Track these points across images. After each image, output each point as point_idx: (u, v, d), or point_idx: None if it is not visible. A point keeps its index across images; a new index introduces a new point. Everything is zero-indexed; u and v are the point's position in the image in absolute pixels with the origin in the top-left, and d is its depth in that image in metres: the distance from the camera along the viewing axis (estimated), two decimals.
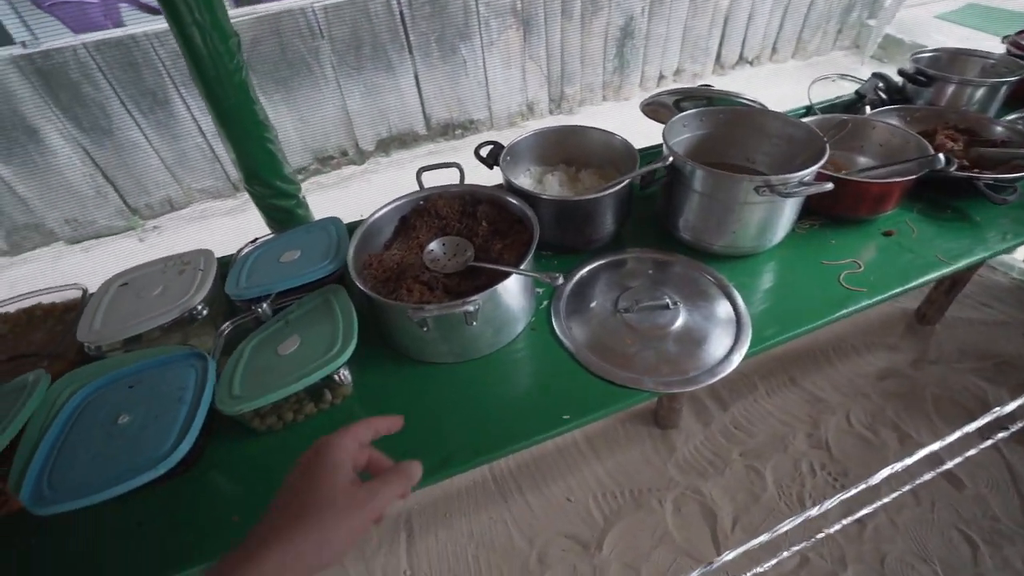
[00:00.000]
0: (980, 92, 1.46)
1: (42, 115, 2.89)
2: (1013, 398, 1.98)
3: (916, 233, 1.18)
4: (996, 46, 1.77)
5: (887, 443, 1.85)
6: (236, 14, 2.93)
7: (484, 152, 1.18)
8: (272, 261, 1.03)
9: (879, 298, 1.03)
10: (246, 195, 3.82)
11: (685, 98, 1.24)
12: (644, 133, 1.39)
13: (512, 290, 0.92)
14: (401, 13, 3.11)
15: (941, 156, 1.07)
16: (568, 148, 1.28)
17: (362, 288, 0.87)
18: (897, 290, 1.04)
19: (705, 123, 1.23)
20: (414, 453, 0.82)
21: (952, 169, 1.13)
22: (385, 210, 1.07)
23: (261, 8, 2.92)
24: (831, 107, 1.62)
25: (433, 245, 1.04)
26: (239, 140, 1.25)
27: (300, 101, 3.23)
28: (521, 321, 1.01)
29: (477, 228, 1.06)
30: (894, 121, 1.49)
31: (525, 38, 3.50)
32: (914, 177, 1.11)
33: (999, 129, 1.39)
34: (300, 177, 3.57)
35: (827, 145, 1.03)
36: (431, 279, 0.95)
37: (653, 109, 1.37)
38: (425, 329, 0.87)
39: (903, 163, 1.17)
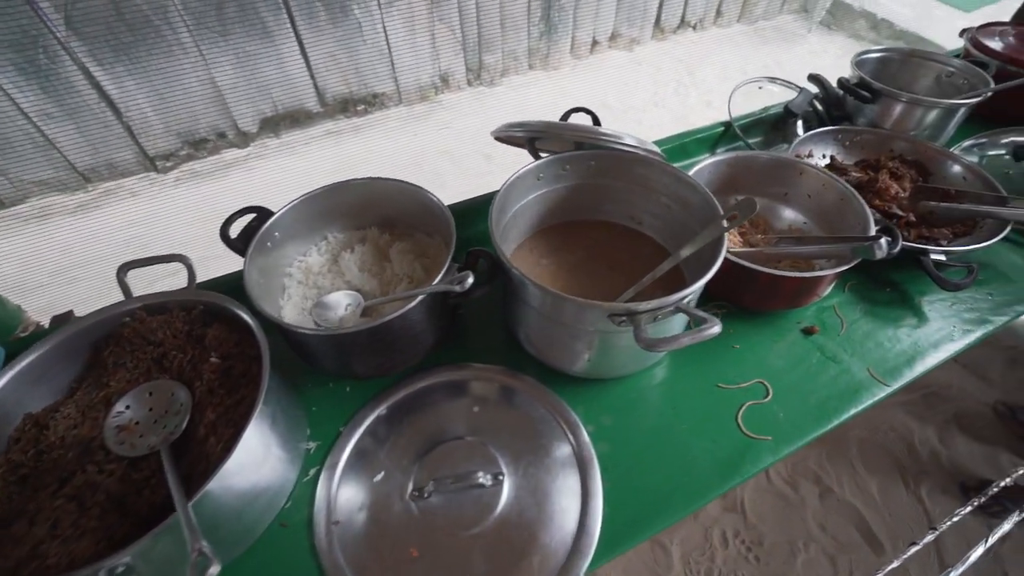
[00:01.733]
0: (933, 115, 1.16)
1: None
2: (939, 438, 1.83)
3: (845, 328, 0.88)
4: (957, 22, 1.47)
5: (806, 500, 1.65)
6: None
7: (236, 230, 0.78)
8: None
9: (786, 452, 0.74)
10: (102, 186, 3.23)
11: (543, 137, 0.87)
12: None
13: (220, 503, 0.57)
14: None
15: (884, 243, 0.76)
16: (384, 205, 0.90)
17: None
18: (810, 436, 0.75)
19: (572, 173, 0.88)
20: None
21: (896, 248, 0.83)
22: (58, 339, 0.68)
23: None
24: (756, 123, 1.28)
25: (127, 400, 0.67)
26: None
27: (152, 73, 2.62)
28: (264, 519, 0.67)
29: (203, 366, 0.69)
30: (831, 149, 1.19)
31: None
32: (846, 268, 0.80)
33: (956, 169, 1.10)
34: (168, 164, 3.01)
35: (725, 234, 0.70)
36: (85, 485, 0.58)
37: (511, 137, 1.00)
38: None
39: (835, 242, 0.85)
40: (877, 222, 0.87)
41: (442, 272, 0.71)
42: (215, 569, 0.45)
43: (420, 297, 0.68)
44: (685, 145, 1.19)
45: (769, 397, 0.78)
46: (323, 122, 3.24)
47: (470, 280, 0.65)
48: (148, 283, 1.83)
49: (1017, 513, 1.02)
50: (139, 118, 2.76)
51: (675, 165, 0.82)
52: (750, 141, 1.28)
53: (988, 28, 1.42)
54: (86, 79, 2.53)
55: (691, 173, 0.91)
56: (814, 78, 1.29)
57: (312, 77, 3.01)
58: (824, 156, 1.19)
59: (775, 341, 0.86)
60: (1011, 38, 1.33)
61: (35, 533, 0.54)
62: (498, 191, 0.76)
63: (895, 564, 1.10)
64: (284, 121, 3.16)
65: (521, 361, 0.82)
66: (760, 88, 1.29)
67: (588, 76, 3.60)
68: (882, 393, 0.80)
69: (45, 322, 0.98)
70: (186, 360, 0.70)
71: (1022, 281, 0.97)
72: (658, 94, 3.46)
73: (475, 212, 0.95)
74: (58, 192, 2.86)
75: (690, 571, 1.52)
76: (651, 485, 0.70)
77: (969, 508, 1.28)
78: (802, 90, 1.24)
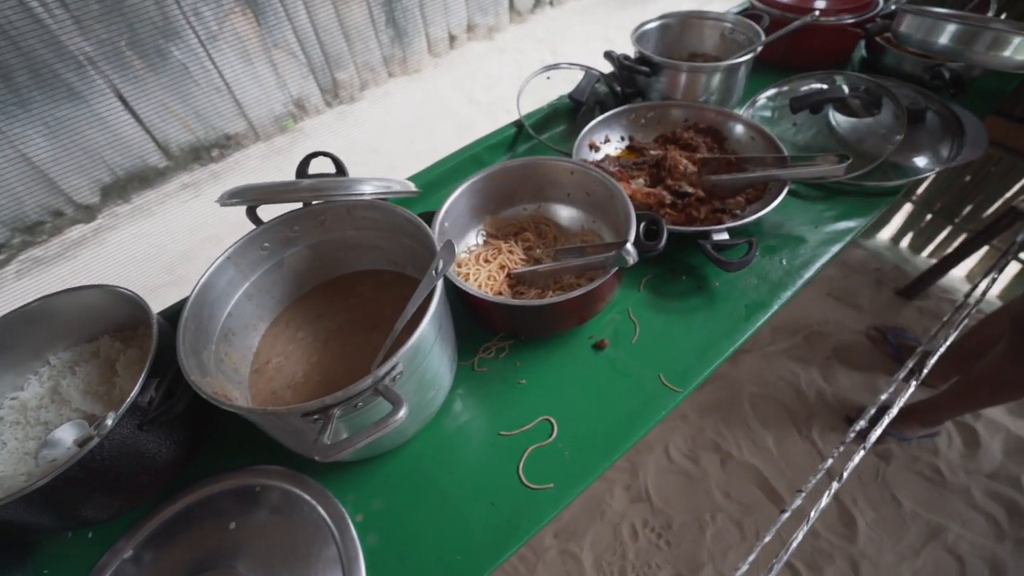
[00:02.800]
0: (717, 77, 1.13)
1: None
2: (823, 376, 1.88)
3: (638, 334, 0.84)
4: None
5: (708, 471, 1.66)
6: None
7: None
8: None
9: (571, 496, 0.68)
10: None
11: (266, 202, 0.77)
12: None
13: None
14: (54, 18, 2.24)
15: (631, 249, 0.70)
16: (112, 309, 0.78)
17: None
18: (597, 472, 0.70)
19: (304, 232, 0.78)
20: None
21: (660, 244, 0.79)
22: None
23: None
24: (552, 116, 1.23)
25: None
26: None
27: None
28: None
29: None
30: (627, 130, 1.16)
31: (259, 22, 2.76)
32: (607, 278, 0.74)
33: (738, 130, 1.09)
34: (1, 257, 2.69)
35: (439, 284, 0.63)
36: None
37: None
38: None
39: (597, 252, 0.80)
40: (643, 216, 0.81)
41: (135, 392, 0.60)
42: None
43: (90, 445, 0.57)
44: (477, 155, 1.12)
45: (554, 435, 0.72)
46: (176, 176, 2.99)
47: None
48: None
49: (887, 417, 0.99)
50: None
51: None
52: (552, 133, 1.22)
53: None
54: None
55: (448, 203, 0.84)
56: (607, 55, 1.25)
57: (147, 131, 2.75)
58: (623, 139, 1.15)
59: (564, 366, 0.80)
60: None
61: None
62: (192, 292, 0.65)
63: (788, 512, 1.08)
64: (131, 183, 2.88)
65: (291, 452, 0.72)
66: (548, 79, 1.23)
67: (452, 73, 3.50)
68: (674, 401, 0.76)
69: None
70: None
71: (812, 238, 0.96)
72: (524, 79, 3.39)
73: None
74: None
75: (603, 573, 1.49)
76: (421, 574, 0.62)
77: (850, 438, 1.29)
78: (586, 72, 1.19)
